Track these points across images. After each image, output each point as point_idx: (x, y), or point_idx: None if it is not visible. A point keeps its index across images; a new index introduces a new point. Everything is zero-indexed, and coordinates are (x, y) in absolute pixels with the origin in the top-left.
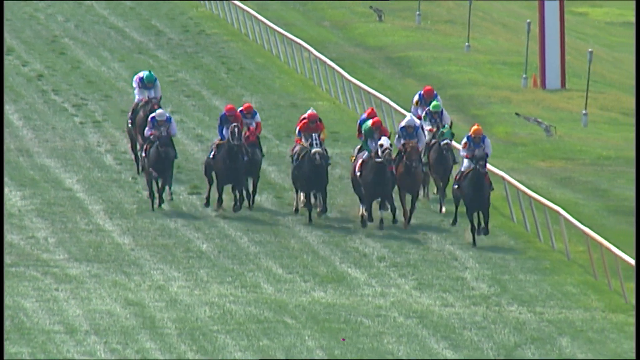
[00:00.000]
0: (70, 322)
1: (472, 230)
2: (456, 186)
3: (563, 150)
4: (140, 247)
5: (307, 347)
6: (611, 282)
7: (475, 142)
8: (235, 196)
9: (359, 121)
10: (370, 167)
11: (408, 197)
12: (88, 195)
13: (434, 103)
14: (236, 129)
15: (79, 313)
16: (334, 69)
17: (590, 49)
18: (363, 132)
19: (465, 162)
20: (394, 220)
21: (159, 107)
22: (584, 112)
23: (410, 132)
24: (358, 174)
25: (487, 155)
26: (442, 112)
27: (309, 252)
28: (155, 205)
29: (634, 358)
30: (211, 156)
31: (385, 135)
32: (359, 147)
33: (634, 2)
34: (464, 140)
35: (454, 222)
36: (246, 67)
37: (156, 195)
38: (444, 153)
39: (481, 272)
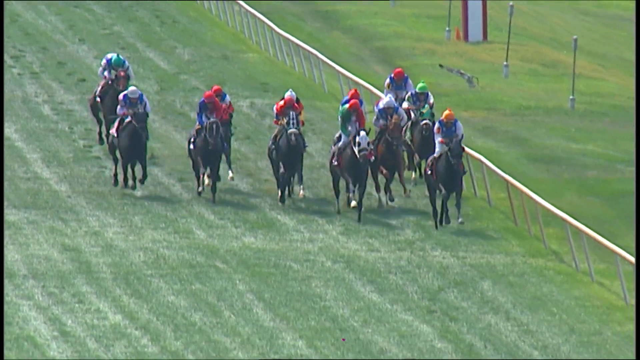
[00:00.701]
0: (8, 266)
1: (435, 214)
2: (429, 171)
3: (485, 101)
4: (77, 194)
5: (237, 291)
6: (531, 228)
7: (447, 126)
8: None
9: (341, 103)
10: (348, 156)
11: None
12: (26, 144)
13: (420, 85)
14: (214, 126)
15: (17, 258)
16: (263, 22)
17: (511, 3)
18: (340, 115)
19: (438, 147)
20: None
21: (126, 74)
22: (505, 63)
23: (390, 113)
24: (335, 163)
25: (463, 149)
26: (427, 94)
27: (239, 199)
28: (129, 186)
29: (634, 358)
30: (192, 140)
31: (360, 120)
32: (338, 134)
33: (634, 2)
34: (437, 125)
35: (436, 224)
36: (179, 21)
37: (126, 175)
38: (423, 133)
39: (406, 218)
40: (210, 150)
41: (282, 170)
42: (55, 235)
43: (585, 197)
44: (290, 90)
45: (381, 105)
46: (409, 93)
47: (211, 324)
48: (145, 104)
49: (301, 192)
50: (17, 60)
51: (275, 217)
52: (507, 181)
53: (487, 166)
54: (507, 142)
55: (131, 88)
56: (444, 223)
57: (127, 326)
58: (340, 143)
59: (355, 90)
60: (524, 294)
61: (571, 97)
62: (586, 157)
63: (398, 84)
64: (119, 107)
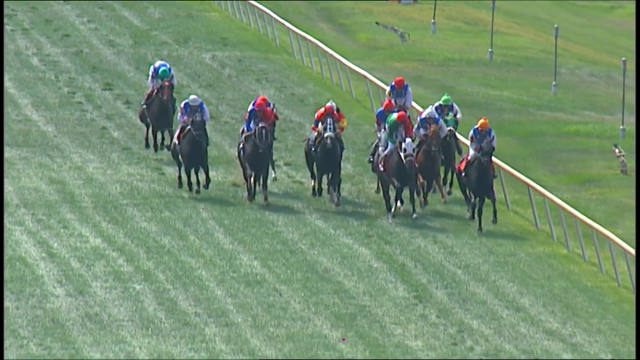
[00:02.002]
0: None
1: (473, 217)
2: (463, 174)
3: (415, 53)
4: (62, 134)
5: (201, 218)
6: (510, 204)
7: (482, 135)
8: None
9: (376, 113)
10: (395, 162)
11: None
12: (18, 91)
13: (444, 97)
14: (263, 131)
15: (10, 189)
16: None
17: None
18: (387, 125)
19: (471, 151)
20: (413, 210)
21: (170, 83)
22: (432, 21)
23: (430, 123)
24: (382, 169)
25: (493, 148)
26: (452, 105)
27: None
28: (194, 191)
29: (634, 358)
30: (241, 147)
31: (408, 130)
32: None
33: (634, 2)
34: (471, 133)
35: (472, 215)
36: None
37: (190, 180)
38: (447, 139)
39: (347, 154)
40: (259, 154)
41: (317, 176)
42: (43, 169)
43: (502, 137)
44: (331, 100)
45: (424, 114)
46: (436, 105)
47: (178, 246)
48: (204, 112)
49: (336, 200)
50: (10, 18)
51: (234, 155)
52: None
53: (417, 110)
54: (435, 89)
55: (192, 97)
56: (480, 225)
57: (105, 248)
58: (387, 150)
59: (390, 101)
60: (449, 220)
61: (490, 50)
62: (503, 102)
63: (398, 91)
64: (179, 114)
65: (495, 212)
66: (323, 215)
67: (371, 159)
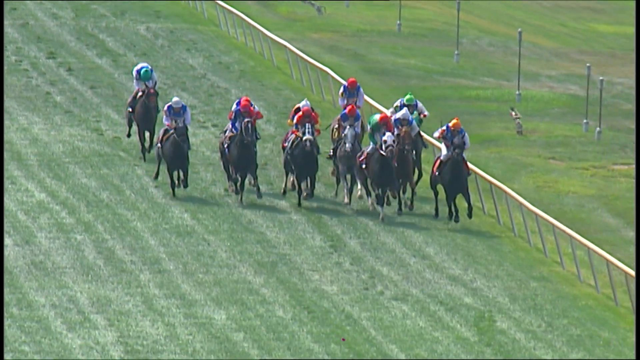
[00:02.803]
0: None
1: (450, 215)
2: (437, 173)
3: (331, 25)
4: (9, 98)
5: (136, 175)
6: (367, 126)
7: (453, 134)
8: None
9: (340, 115)
10: (375, 159)
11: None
12: None
13: (407, 96)
14: (249, 125)
15: None
16: None
17: None
18: (370, 126)
19: (444, 150)
20: (399, 209)
21: (155, 91)
22: None
23: (404, 124)
24: (364, 165)
25: (465, 143)
26: (416, 104)
27: None
28: (177, 190)
29: (634, 358)
30: (225, 147)
31: (390, 130)
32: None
33: (634, 2)
34: (442, 127)
35: (436, 212)
36: None
37: (176, 181)
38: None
39: (269, 117)
40: (245, 145)
41: (294, 176)
42: None
43: None
44: (305, 100)
45: (398, 115)
46: (398, 103)
47: (116, 200)
48: (187, 114)
49: (304, 194)
50: None
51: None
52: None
53: (332, 76)
54: (348, 57)
55: (175, 99)
56: (457, 215)
57: (49, 202)
58: (369, 149)
59: (353, 106)
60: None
61: (398, 22)
62: (410, 69)
63: (351, 91)
64: (164, 117)
65: (470, 207)
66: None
67: (331, 154)
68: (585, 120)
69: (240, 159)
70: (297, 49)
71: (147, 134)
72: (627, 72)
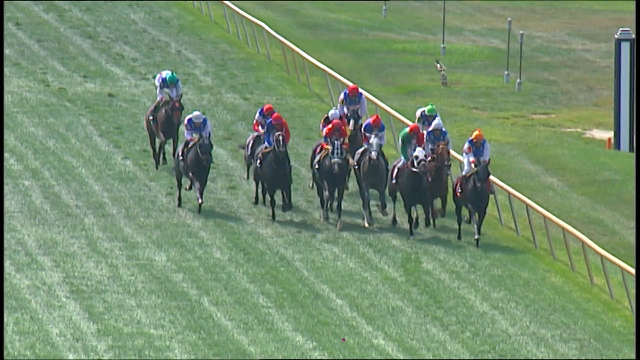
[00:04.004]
0: None
1: (460, 237)
2: (459, 190)
3: None
4: None
5: (81, 124)
6: (300, 76)
7: (477, 146)
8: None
9: (363, 126)
10: (407, 175)
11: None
12: None
13: (429, 107)
14: (281, 137)
15: None
16: None
17: None
18: (401, 138)
19: (466, 165)
20: (427, 222)
21: (180, 105)
22: None
23: (437, 135)
24: (394, 181)
25: (489, 173)
26: (436, 115)
27: (83, 55)
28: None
29: (634, 358)
30: (258, 164)
31: (420, 143)
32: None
33: (634, 2)
34: (467, 144)
35: (459, 233)
36: None
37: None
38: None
39: (207, 69)
40: (280, 160)
41: (326, 193)
42: None
43: (340, 53)
44: (334, 108)
45: (430, 127)
46: (419, 113)
47: (62, 148)
48: (207, 127)
49: (339, 224)
50: None
51: (109, 69)
52: (282, 42)
53: (267, 31)
54: (282, 12)
55: (196, 113)
56: (479, 234)
57: None
58: (400, 163)
59: (377, 116)
60: (295, 124)
61: None
62: (340, 23)
63: (352, 99)
64: (185, 131)
65: (479, 229)
66: None
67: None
68: (506, 72)
69: (275, 176)
70: (233, 4)
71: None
72: (545, 27)
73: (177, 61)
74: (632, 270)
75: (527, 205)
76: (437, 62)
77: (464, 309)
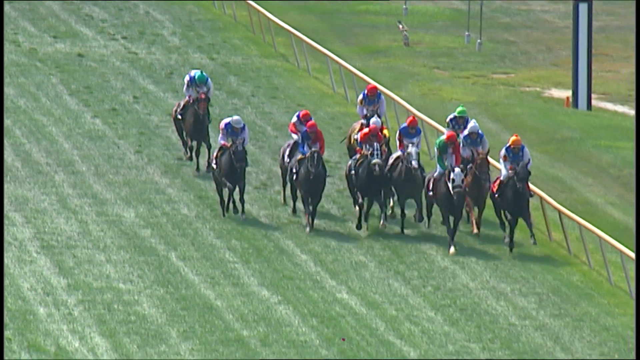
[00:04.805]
0: None
1: (510, 236)
2: (497, 195)
3: None
4: None
5: (51, 83)
6: (265, 37)
7: (515, 152)
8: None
9: (399, 129)
10: (443, 187)
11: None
12: None
13: (459, 109)
14: (316, 155)
15: None
16: None
17: None
18: (437, 147)
19: (503, 170)
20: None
21: (207, 97)
22: None
23: (474, 138)
24: (430, 193)
25: (529, 173)
26: (467, 118)
27: (53, 16)
28: (226, 211)
29: (634, 358)
30: (294, 171)
31: (457, 151)
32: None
33: (634, 2)
34: (502, 152)
35: (503, 227)
36: None
37: (225, 200)
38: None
39: (174, 30)
40: (311, 180)
41: (360, 200)
42: None
43: (305, 15)
44: (375, 116)
45: (466, 131)
46: (449, 118)
47: (32, 107)
48: (245, 134)
49: (382, 222)
50: None
51: (79, 30)
52: (248, 4)
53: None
54: None
55: (235, 117)
56: (510, 249)
57: None
58: (436, 173)
59: (414, 117)
60: (261, 84)
61: None
62: None
63: (371, 99)
64: (220, 135)
65: (532, 235)
66: (154, 80)
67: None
68: (467, 33)
69: (308, 190)
70: None
71: (195, 149)
72: None
73: (145, 22)
74: (589, 225)
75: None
76: (400, 22)
77: (426, 264)
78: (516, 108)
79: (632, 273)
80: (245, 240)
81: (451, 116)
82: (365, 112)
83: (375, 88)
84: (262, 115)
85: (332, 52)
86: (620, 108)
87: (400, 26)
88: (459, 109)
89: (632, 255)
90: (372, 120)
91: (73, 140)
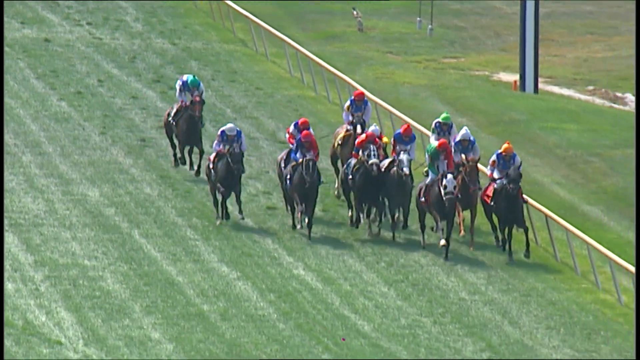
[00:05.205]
0: None
1: (503, 243)
2: (491, 202)
3: None
4: None
5: (19, 67)
6: (225, 23)
7: (506, 160)
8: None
9: (394, 135)
10: (436, 198)
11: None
12: None
13: (443, 115)
14: (310, 163)
15: None
16: None
17: None
18: (429, 154)
19: (492, 175)
20: (447, 245)
21: (201, 99)
22: None
23: (465, 145)
24: (422, 199)
25: (520, 175)
26: (451, 125)
27: (20, 3)
28: (223, 218)
29: (634, 358)
30: (288, 178)
31: (449, 157)
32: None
33: (634, 2)
34: (493, 158)
35: (502, 245)
36: None
37: (220, 207)
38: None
39: (137, 16)
40: (306, 188)
41: (358, 207)
42: None
43: (264, 2)
44: (374, 125)
45: (458, 137)
46: (433, 124)
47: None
48: (242, 141)
49: (378, 228)
50: None
51: (45, 16)
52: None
53: None
54: None
55: (229, 125)
56: (510, 257)
57: None
58: (428, 180)
59: (408, 125)
60: (221, 68)
61: None
62: None
63: (358, 105)
64: (215, 142)
65: (527, 244)
66: (118, 64)
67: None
68: (418, 19)
69: (303, 195)
70: None
71: (188, 150)
72: None
73: (109, 8)
74: (536, 204)
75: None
76: (354, 9)
77: (379, 242)
78: (466, 91)
79: (578, 250)
80: (206, 218)
81: (435, 122)
82: (351, 118)
83: (362, 94)
84: (221, 98)
85: (289, 38)
86: (566, 91)
87: (355, 12)
88: (444, 115)
89: (578, 232)
90: (371, 128)
91: (40, 122)
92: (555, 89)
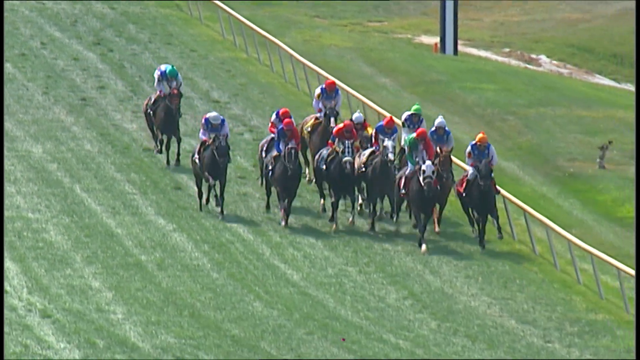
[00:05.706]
0: None
1: (481, 238)
2: (464, 194)
3: None
4: None
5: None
6: (192, 12)
7: (480, 149)
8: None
9: (376, 127)
10: (415, 187)
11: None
12: None
13: (415, 107)
14: (293, 152)
15: None
16: None
17: None
18: (407, 144)
19: (470, 169)
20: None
21: (179, 92)
22: None
23: (440, 134)
24: (403, 191)
25: (491, 170)
26: (421, 119)
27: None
28: (204, 203)
29: (634, 358)
30: (270, 168)
31: (428, 147)
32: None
33: (634, 2)
34: (468, 149)
35: (478, 235)
36: None
37: (204, 194)
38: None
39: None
40: (289, 177)
41: (333, 198)
42: None
43: None
44: (358, 111)
45: (433, 127)
46: (404, 117)
47: None
48: (225, 128)
49: (351, 219)
50: None
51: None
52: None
53: None
54: None
55: (213, 113)
56: (482, 246)
57: None
58: (408, 171)
59: (391, 117)
60: (157, 31)
61: None
62: None
63: (329, 94)
64: (201, 131)
65: (499, 228)
66: (60, 28)
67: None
68: None
69: (285, 187)
70: None
71: (165, 142)
72: None
73: None
74: (458, 162)
75: (362, 102)
76: None
77: (308, 195)
78: (389, 53)
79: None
80: (144, 173)
81: (406, 114)
82: (320, 106)
83: (333, 83)
84: (158, 60)
85: (222, 2)
86: (483, 53)
87: None
88: (415, 107)
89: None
90: (355, 115)
91: None
92: (474, 51)
